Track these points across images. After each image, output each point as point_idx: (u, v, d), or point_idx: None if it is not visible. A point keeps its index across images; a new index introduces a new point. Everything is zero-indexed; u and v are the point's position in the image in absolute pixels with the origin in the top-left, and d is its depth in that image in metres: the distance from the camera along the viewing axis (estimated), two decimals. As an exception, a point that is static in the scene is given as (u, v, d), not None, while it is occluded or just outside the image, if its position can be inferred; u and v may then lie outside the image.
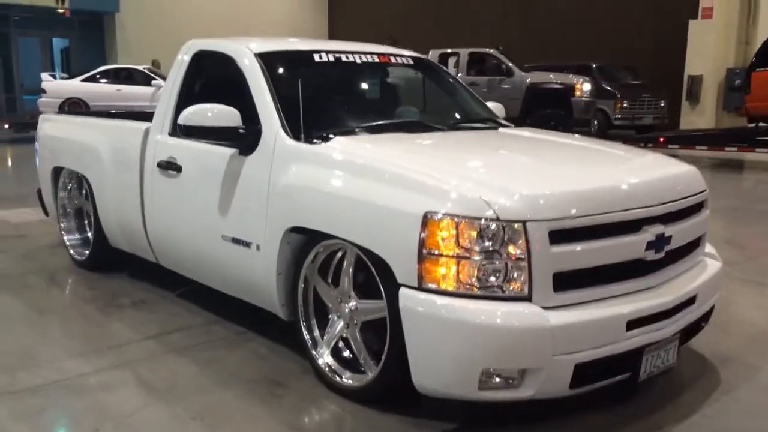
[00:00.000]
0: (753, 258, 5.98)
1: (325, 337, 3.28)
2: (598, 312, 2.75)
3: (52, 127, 5.61)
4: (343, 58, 4.07)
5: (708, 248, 3.55)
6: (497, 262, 2.63)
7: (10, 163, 13.35)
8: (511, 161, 3.42)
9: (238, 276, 3.66)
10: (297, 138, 3.40)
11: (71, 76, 19.10)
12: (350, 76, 4.14)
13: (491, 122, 4.33)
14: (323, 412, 3.10)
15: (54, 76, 19.39)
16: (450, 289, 2.67)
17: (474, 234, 2.63)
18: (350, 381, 3.15)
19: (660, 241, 2.94)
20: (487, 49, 15.29)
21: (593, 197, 2.85)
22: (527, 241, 2.62)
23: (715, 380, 3.39)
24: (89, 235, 5.21)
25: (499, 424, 2.96)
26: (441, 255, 2.66)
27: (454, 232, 2.65)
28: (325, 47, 4.09)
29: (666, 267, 3.05)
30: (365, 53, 4.20)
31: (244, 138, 3.53)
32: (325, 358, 3.26)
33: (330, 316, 3.28)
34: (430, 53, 14.51)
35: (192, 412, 3.03)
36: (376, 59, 4.24)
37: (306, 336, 3.32)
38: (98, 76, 18.65)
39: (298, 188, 3.24)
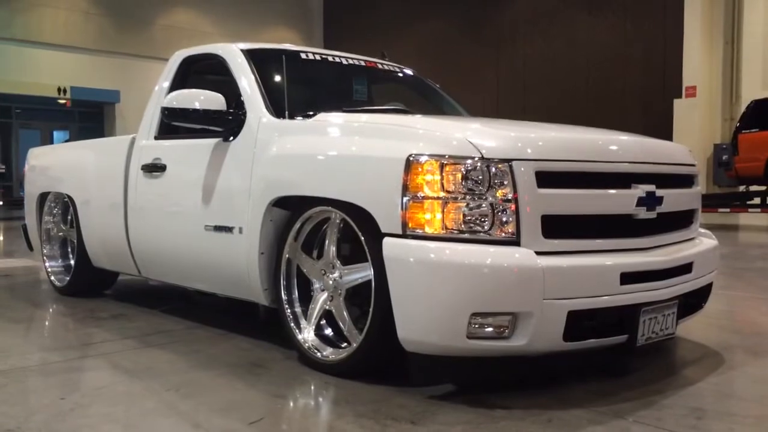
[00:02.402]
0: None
1: (307, 312, 3.13)
2: (590, 260, 2.66)
3: (40, 157, 5.63)
4: (330, 59, 4.12)
5: (703, 231, 3.48)
6: (484, 205, 2.55)
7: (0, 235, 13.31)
8: (499, 123, 3.38)
9: (220, 265, 3.53)
10: (281, 117, 3.39)
11: None
12: (336, 74, 4.17)
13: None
14: (305, 384, 2.91)
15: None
16: (435, 233, 2.57)
17: (459, 175, 2.56)
18: (332, 356, 2.99)
19: (651, 199, 2.86)
20: None
21: (580, 144, 2.83)
22: (514, 181, 2.55)
23: (719, 360, 3.23)
24: (71, 262, 5.09)
25: (490, 390, 2.77)
26: (425, 198, 2.58)
27: (438, 174, 2.57)
28: (313, 50, 4.14)
29: (659, 232, 2.96)
30: (352, 58, 4.26)
31: (229, 123, 3.50)
32: (305, 335, 3.09)
33: (313, 290, 3.14)
34: None
35: (167, 386, 2.85)
36: (363, 63, 4.30)
37: (287, 312, 3.17)
38: None
39: (281, 157, 3.19)
